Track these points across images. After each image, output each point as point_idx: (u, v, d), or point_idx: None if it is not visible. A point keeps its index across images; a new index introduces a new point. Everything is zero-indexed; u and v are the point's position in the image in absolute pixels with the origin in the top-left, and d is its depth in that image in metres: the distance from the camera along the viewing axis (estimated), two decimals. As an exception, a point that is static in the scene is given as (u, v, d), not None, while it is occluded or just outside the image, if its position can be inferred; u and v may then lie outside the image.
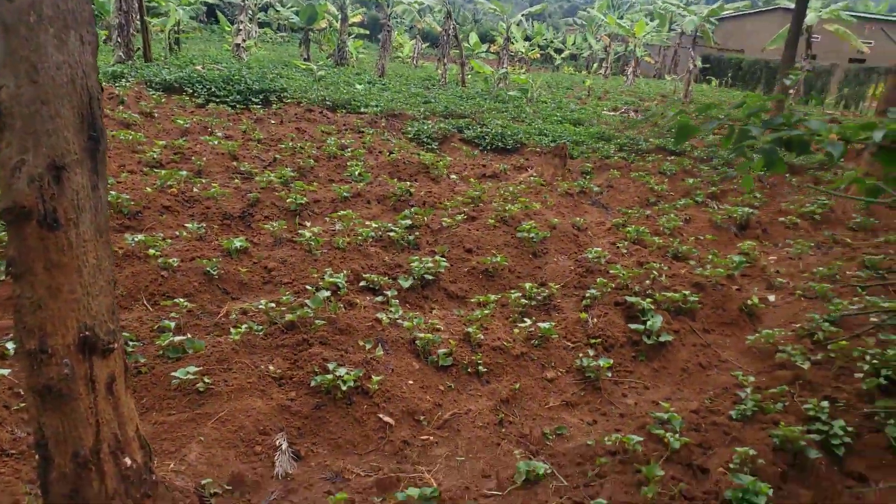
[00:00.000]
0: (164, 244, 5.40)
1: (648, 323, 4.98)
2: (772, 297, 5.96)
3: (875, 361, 4.50)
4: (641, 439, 3.49)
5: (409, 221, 6.46)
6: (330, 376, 3.70)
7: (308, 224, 6.22)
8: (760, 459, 3.45)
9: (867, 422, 4.01)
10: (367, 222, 6.39)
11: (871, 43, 36.50)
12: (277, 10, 42.47)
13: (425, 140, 11.92)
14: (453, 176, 9.39)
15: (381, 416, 3.74)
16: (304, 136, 10.75)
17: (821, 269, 6.59)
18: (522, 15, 33.47)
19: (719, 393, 4.42)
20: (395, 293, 5.19)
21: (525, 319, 4.94)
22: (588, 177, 10.12)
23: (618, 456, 3.56)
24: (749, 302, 5.60)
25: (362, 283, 5.35)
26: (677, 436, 3.50)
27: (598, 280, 5.58)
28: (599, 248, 6.33)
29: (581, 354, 4.72)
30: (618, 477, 3.36)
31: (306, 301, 4.47)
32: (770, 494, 3.05)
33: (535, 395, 4.38)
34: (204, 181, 7.35)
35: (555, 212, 7.86)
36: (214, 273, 5.09)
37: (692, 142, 14.26)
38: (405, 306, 5.22)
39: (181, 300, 4.61)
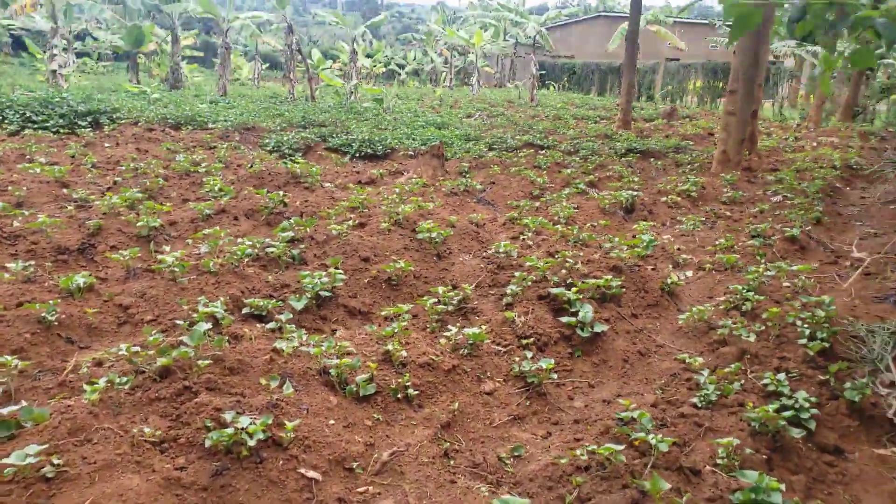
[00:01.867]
0: (-23, 291, 4.14)
1: (580, 314, 4.52)
2: (689, 273, 5.78)
3: (807, 326, 4.35)
4: (622, 447, 2.95)
5: (290, 234, 5.58)
6: (229, 430, 2.80)
7: (167, 249, 5.14)
8: (747, 449, 3.05)
9: (823, 389, 3.79)
10: (239, 240, 5.43)
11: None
12: (96, 39, 38.87)
13: (287, 151, 10.95)
14: (327, 184, 8.55)
15: (302, 471, 2.91)
16: (147, 156, 9.38)
17: (721, 241, 6.57)
18: (366, 26, 33.09)
19: (670, 381, 4.04)
20: (289, 317, 4.33)
21: (449, 327, 4.28)
22: (467, 175, 9.70)
23: (593, 471, 3.00)
24: (669, 281, 5.34)
25: (246, 311, 4.43)
26: (660, 436, 2.99)
27: (515, 275, 5.06)
28: (507, 242, 5.83)
29: (517, 358, 4.15)
30: (606, 497, 2.79)
31: (182, 339, 3.51)
32: (783, 489, 2.62)
33: (476, 413, 3.74)
34: (26, 213, 5.98)
35: (449, 210, 7.30)
36: (52, 319, 3.96)
37: (558, 137, 14.46)
38: (303, 330, 4.37)
39: (7, 358, 3.44)
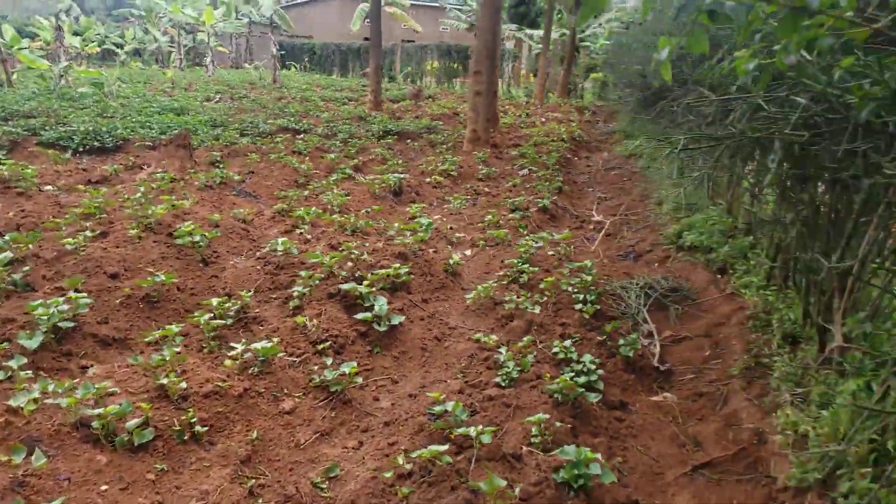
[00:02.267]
0: None
1: (375, 308, 4.35)
2: (468, 252, 5.93)
3: (578, 291, 4.73)
4: (446, 447, 2.86)
5: (7, 254, 4.52)
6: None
7: None
8: (556, 422, 3.17)
9: (602, 349, 4.13)
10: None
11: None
12: None
13: (-15, 151, 8.97)
14: (48, 187, 7.17)
15: (76, 559, 2.33)
16: None
17: (488, 217, 6.87)
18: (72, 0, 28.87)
19: (469, 363, 4.07)
20: (21, 361, 3.47)
21: (233, 345, 3.82)
22: (221, 166, 8.89)
23: (418, 477, 2.87)
24: (451, 261, 5.42)
25: (-41, 361, 3.47)
26: (480, 427, 2.95)
27: (301, 274, 4.70)
28: (284, 239, 5.41)
29: (315, 367, 3.85)
30: (438, 504, 2.68)
31: None
32: (599, 458, 2.75)
33: (279, 437, 3.38)
34: None
35: (208, 207, 6.58)
36: None
37: (313, 120, 14.02)
38: (40, 374, 3.56)
39: None
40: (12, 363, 3.42)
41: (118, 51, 47.47)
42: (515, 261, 5.37)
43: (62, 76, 18.76)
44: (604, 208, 8.49)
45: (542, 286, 4.75)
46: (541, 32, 28.70)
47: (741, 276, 4.63)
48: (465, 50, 33.59)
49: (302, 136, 11.84)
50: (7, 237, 4.79)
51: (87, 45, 39.79)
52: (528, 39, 33.43)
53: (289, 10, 43.52)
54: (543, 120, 17.54)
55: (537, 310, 4.43)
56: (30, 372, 3.44)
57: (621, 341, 4.08)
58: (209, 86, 22.57)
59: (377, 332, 4.30)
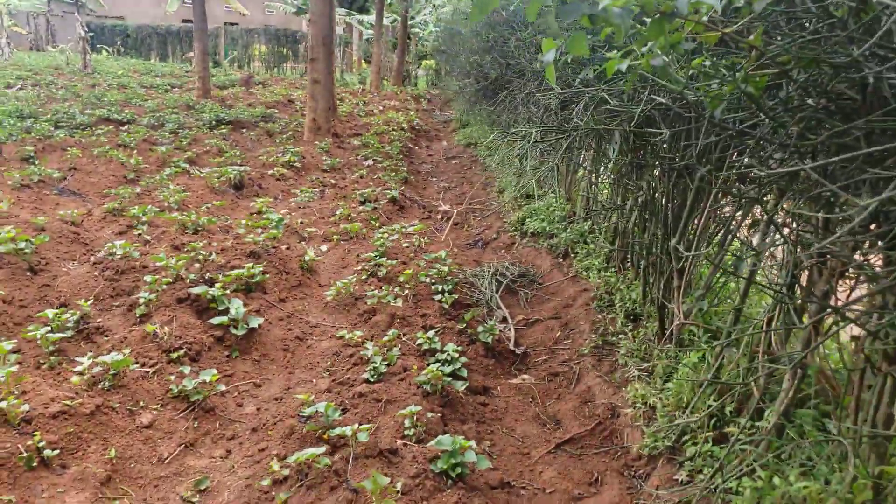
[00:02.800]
0: None
1: (231, 311, 4.23)
2: (325, 248, 5.90)
3: (434, 281, 4.94)
4: (323, 450, 2.90)
5: None
6: None
7: None
8: (428, 413, 3.33)
9: (463, 337, 4.36)
10: None
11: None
12: None
13: None
14: None
15: None
16: None
17: (340, 211, 6.87)
18: None
19: (335, 361, 4.11)
20: None
21: (78, 359, 3.55)
22: (36, 162, 7.99)
23: (295, 482, 2.88)
24: (307, 258, 5.38)
25: None
26: (356, 426, 3.02)
27: (146, 279, 4.43)
28: (122, 242, 5.03)
29: (172, 377, 3.69)
30: (321, 505, 2.73)
31: None
32: (473, 445, 2.93)
33: (140, 454, 3.22)
34: None
35: (28, 209, 5.91)
36: None
37: (136, 110, 12.97)
38: None
39: None
40: None
41: None
42: (372, 254, 5.46)
43: None
44: (449, 197, 8.83)
45: (401, 279, 4.89)
46: (371, 17, 28.76)
47: (582, 260, 5.09)
48: (293, 34, 32.76)
49: (126, 127, 10.94)
50: None
51: None
52: (358, 25, 33.29)
53: (97, -13, 39.54)
54: (381, 108, 17.67)
55: (399, 303, 4.56)
56: None
57: (480, 328, 4.33)
58: (7, 71, 19.95)
59: (234, 335, 4.18)
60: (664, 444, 2.80)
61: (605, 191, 5.39)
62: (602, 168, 4.99)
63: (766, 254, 2.77)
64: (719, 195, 3.00)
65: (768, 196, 2.63)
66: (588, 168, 5.44)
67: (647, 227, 3.87)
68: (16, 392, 3.21)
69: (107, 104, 13.03)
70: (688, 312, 3.19)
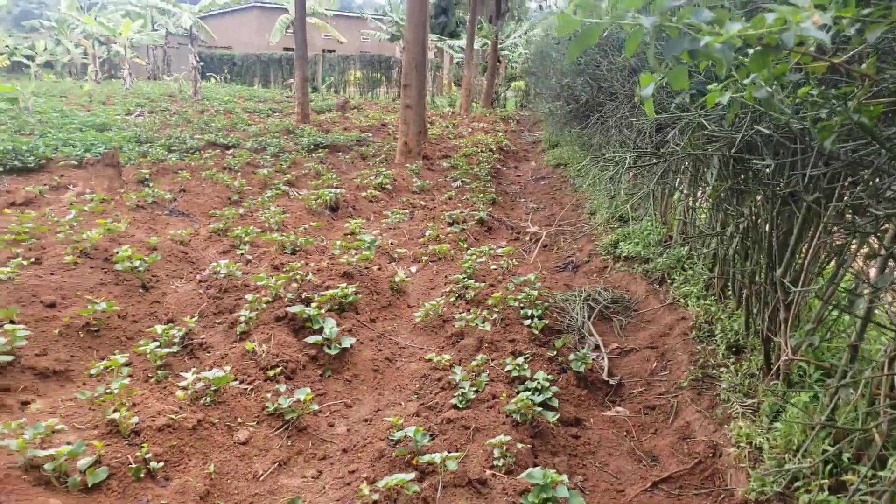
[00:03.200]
0: None
1: (325, 331, 4.34)
2: (413, 269, 5.98)
3: (524, 306, 4.87)
4: (412, 476, 2.90)
5: (-69, 288, 4.25)
6: None
7: None
8: (518, 444, 3.26)
9: (553, 364, 4.27)
10: None
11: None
12: None
13: None
14: (-35, 211, 6.75)
15: None
16: None
17: (429, 232, 6.95)
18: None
19: (423, 384, 4.13)
20: (-40, 402, 3.30)
21: (183, 375, 3.74)
22: (151, 184, 8.59)
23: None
24: (397, 279, 5.46)
25: None
26: (446, 454, 3.00)
27: (247, 298, 4.63)
28: (226, 261, 5.30)
29: (268, 394, 3.81)
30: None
31: None
32: (565, 479, 2.84)
33: (236, 470, 3.33)
34: None
35: (143, 229, 6.35)
36: None
37: (240, 134, 13.72)
38: (-23, 415, 3.39)
39: None
40: (-55, 407, 3.24)
41: (29, 63, 45.02)
42: (460, 276, 5.47)
43: (-34, 91, 17.55)
44: (538, 218, 8.75)
45: (489, 302, 4.86)
46: (462, 42, 29.20)
47: (680, 287, 4.89)
48: (387, 60, 33.74)
49: (231, 151, 11.58)
50: (-73, 270, 4.50)
51: (-5, 59, 37.59)
52: (449, 50, 33.90)
53: (207, 21, 42.41)
54: (470, 130, 17.83)
55: (487, 326, 4.54)
56: (-38, 413, 3.26)
57: (571, 356, 4.22)
58: (128, 99, 21.69)
59: (328, 355, 4.29)
60: (773, 490, 2.60)
61: (704, 215, 5.16)
62: (700, 192, 4.79)
63: (886, 289, 2.55)
64: (830, 226, 2.79)
65: (887, 225, 2.43)
66: (685, 191, 5.23)
67: (749, 255, 3.66)
68: (127, 404, 3.41)
69: (214, 129, 13.85)
70: (796, 347, 2.98)
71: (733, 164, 3.45)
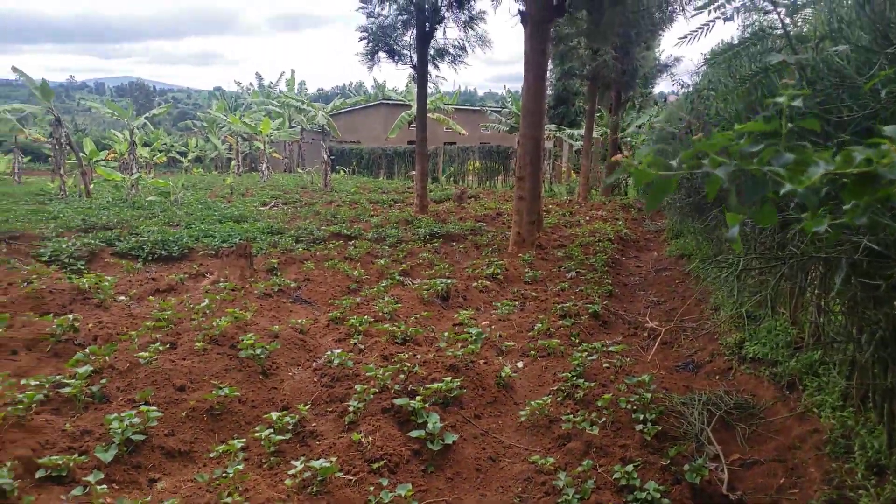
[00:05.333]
0: None
1: (428, 426, 4.36)
2: (520, 364, 5.92)
3: (636, 409, 4.64)
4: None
5: (87, 367, 4.75)
6: None
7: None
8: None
9: (666, 474, 4.00)
10: (23, 381, 4.51)
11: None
12: None
13: (67, 261, 9.59)
14: (122, 297, 7.56)
15: None
16: None
17: (539, 325, 6.88)
18: (146, 118, 31.32)
19: (526, 487, 3.99)
20: (99, 476, 3.59)
21: (293, 463, 3.86)
22: (278, 273, 9.23)
23: None
24: (503, 374, 5.42)
25: (41, 474, 3.60)
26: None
27: (356, 388, 4.77)
28: (339, 350, 5.53)
29: (371, 488, 3.84)
30: None
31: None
32: None
33: (337, 562, 3.35)
34: None
35: (268, 318, 6.80)
36: None
37: (363, 225, 14.52)
38: (113, 487, 3.67)
39: None
40: (90, 478, 3.54)
41: (182, 159, 51.08)
42: (569, 374, 5.34)
43: (133, 186, 20.05)
44: (657, 313, 8.41)
45: (599, 403, 4.69)
46: (580, 131, 29.57)
47: (812, 394, 4.47)
48: (505, 150, 34.73)
49: (353, 241, 12.25)
50: (87, 350, 5.05)
51: (154, 155, 43.02)
52: (568, 139, 34.44)
53: (337, 118, 46.15)
54: (588, 218, 17.74)
55: (595, 430, 4.36)
56: (105, 486, 3.54)
57: (686, 466, 3.94)
58: (265, 191, 23.75)
59: (430, 450, 4.27)
60: None
61: (839, 317, 4.76)
62: (829, 292, 4.44)
63: None
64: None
65: None
66: (816, 290, 4.87)
67: (889, 366, 3.32)
68: (239, 489, 3.57)
69: (339, 220, 14.77)
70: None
71: (866, 266, 3.20)
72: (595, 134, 26.56)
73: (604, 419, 4.53)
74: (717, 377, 5.73)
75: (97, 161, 24.22)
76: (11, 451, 3.73)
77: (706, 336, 6.95)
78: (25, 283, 7.55)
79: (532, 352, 6.26)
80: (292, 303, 8.00)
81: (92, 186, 21.02)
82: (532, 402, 4.90)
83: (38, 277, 7.96)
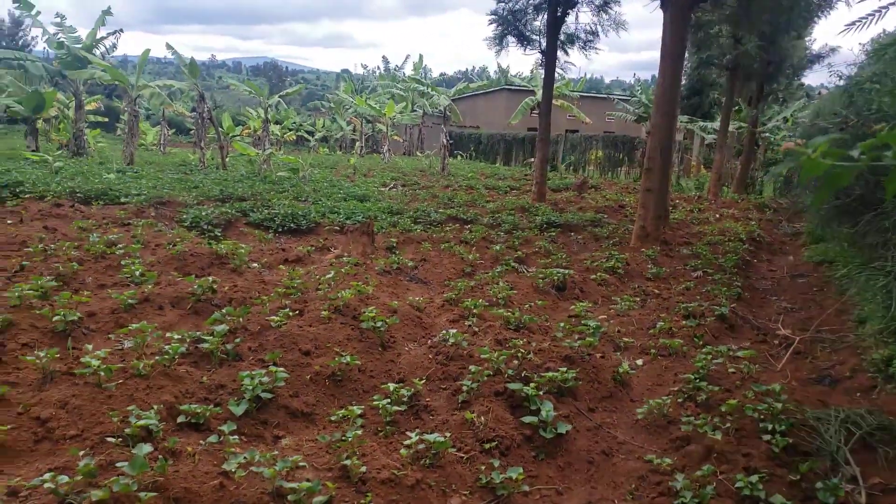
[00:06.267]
0: None
1: (542, 413, 4.32)
2: (640, 362, 5.74)
3: (764, 419, 4.35)
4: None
5: (224, 326, 5.12)
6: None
7: (89, 348, 4.54)
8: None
9: (795, 490, 3.74)
10: (168, 334, 4.93)
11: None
12: (-13, 101, 37.10)
13: (206, 227, 10.40)
14: (255, 264, 8.09)
15: None
16: (57, 236, 8.60)
17: (660, 323, 6.63)
18: (280, 97, 33.09)
19: (639, 485, 3.87)
20: (232, 427, 3.87)
21: (408, 434, 3.97)
22: (397, 252, 9.49)
23: None
24: (620, 370, 5.28)
25: (181, 419, 3.94)
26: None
27: (471, 369, 4.82)
28: (454, 331, 5.60)
29: (482, 467, 3.87)
30: None
31: (120, 465, 3.02)
32: None
33: (446, 535, 3.41)
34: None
35: (387, 293, 7.02)
36: None
37: (479, 210, 14.59)
38: (242, 439, 3.94)
39: None
40: (224, 427, 3.83)
41: (309, 138, 53.70)
42: (691, 376, 5.10)
43: (265, 161, 21.31)
44: (791, 321, 7.84)
45: (723, 408, 4.45)
46: (715, 124, 27.96)
47: (970, 423, 4.01)
48: (631, 140, 33.52)
49: (469, 226, 12.34)
50: (224, 310, 5.45)
51: (285, 133, 45.48)
52: (700, 132, 32.71)
53: (459, 103, 46.53)
54: (718, 216, 16.82)
55: (718, 435, 4.14)
56: (236, 437, 3.81)
57: (819, 484, 3.66)
58: (385, 172, 24.44)
59: (542, 438, 4.24)
60: None
61: None
62: None
63: None
64: None
65: None
66: None
67: None
68: (358, 453, 3.72)
69: (456, 204, 14.92)
70: None
71: None
72: (731, 127, 25.02)
73: (727, 425, 4.30)
74: (858, 395, 5.26)
75: (233, 136, 25.97)
76: (158, 395, 4.10)
77: (847, 350, 6.39)
78: (171, 245, 8.26)
79: (652, 350, 6.05)
80: (409, 281, 8.20)
81: (228, 159, 22.54)
82: (650, 401, 4.74)
83: (181, 241, 8.69)
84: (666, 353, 6.02)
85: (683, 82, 31.77)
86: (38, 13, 22.85)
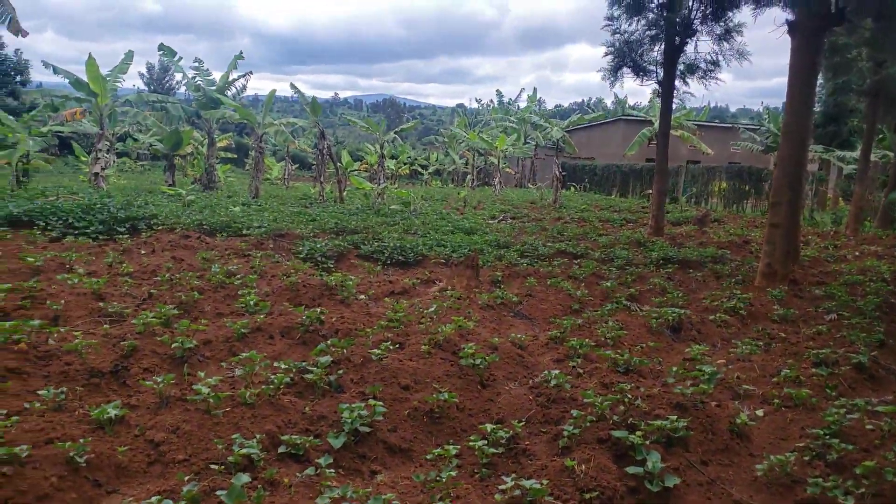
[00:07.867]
0: (7, 424, 3.81)
1: (648, 464, 4.04)
2: (760, 413, 5.28)
3: (909, 484, 3.83)
4: None
5: (328, 357, 5.25)
6: None
7: (202, 375, 4.82)
8: None
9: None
10: (275, 363, 5.12)
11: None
12: (136, 139, 41.32)
13: (320, 259, 10.85)
14: (362, 296, 8.30)
15: None
16: (183, 266, 9.30)
17: (786, 371, 6.08)
18: (395, 133, 34.32)
19: (759, 551, 3.51)
20: (329, 460, 3.91)
21: (503, 478, 3.84)
22: (501, 286, 9.40)
23: None
24: (738, 420, 4.86)
25: (282, 449, 4.04)
26: None
27: (573, 413, 4.62)
28: (557, 371, 5.42)
29: (581, 519, 3.66)
30: None
31: (220, 493, 3.13)
32: None
33: (539, 590, 3.23)
34: (63, 330, 5.73)
35: (489, 329, 6.95)
36: (81, 460, 3.58)
37: (590, 244, 14.24)
38: (339, 472, 3.98)
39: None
40: (321, 460, 3.88)
41: (423, 171, 55.27)
42: (820, 431, 4.60)
43: (379, 195, 22.07)
44: (944, 374, 6.93)
45: (857, 471, 3.96)
46: (854, 154, 25.80)
47: None
48: (758, 172, 31.60)
49: (578, 260, 12.04)
50: (329, 342, 5.60)
51: (399, 167, 47.11)
52: (838, 161, 30.32)
53: (573, 134, 46.05)
54: (858, 254, 15.40)
55: (850, 501, 3.68)
56: (333, 471, 3.85)
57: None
58: (495, 205, 24.51)
59: (648, 490, 3.96)
60: None
61: None
62: None
63: None
64: None
65: None
66: None
67: None
68: (452, 495, 3.64)
69: (566, 238, 14.63)
70: None
71: None
72: (873, 157, 23.00)
73: (862, 490, 3.82)
74: None
75: (351, 171, 27.16)
76: (262, 424, 4.25)
77: None
78: (285, 276, 8.66)
79: (775, 400, 5.54)
80: (513, 316, 8.08)
81: (345, 193, 23.54)
82: (772, 457, 4.31)
83: (296, 272, 9.09)
84: (791, 403, 5.48)
85: (817, 109, 29.71)
86: (181, 59, 25.27)
